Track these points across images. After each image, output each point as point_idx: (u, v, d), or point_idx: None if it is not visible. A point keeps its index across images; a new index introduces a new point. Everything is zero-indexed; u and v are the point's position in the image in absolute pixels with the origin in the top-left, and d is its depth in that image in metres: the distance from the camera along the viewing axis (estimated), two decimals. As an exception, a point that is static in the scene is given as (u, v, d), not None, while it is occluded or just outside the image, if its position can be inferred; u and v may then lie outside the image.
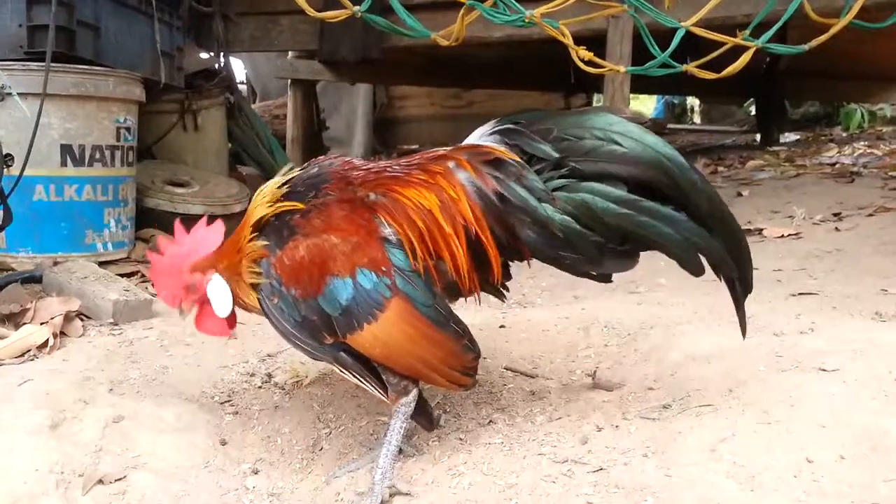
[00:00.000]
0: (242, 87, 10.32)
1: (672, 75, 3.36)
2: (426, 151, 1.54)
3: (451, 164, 1.47)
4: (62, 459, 1.43)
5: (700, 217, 1.42)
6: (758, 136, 7.69)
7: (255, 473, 1.57)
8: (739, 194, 4.36)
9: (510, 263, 1.58)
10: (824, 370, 1.55)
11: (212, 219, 1.57)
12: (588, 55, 3.01)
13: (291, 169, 1.52)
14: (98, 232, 3.30)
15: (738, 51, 3.22)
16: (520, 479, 1.37)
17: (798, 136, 7.54)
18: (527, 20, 2.80)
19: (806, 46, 3.31)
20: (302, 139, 6.82)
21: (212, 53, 5.05)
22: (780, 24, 3.11)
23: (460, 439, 1.59)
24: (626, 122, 1.43)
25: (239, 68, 10.29)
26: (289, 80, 7.27)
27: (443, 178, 1.46)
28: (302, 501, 1.48)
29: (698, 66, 3.29)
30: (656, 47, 3.22)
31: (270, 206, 1.45)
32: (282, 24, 5.30)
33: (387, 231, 1.43)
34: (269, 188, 1.48)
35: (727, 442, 1.35)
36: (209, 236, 1.53)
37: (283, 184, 1.47)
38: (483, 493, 1.36)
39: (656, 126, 10.82)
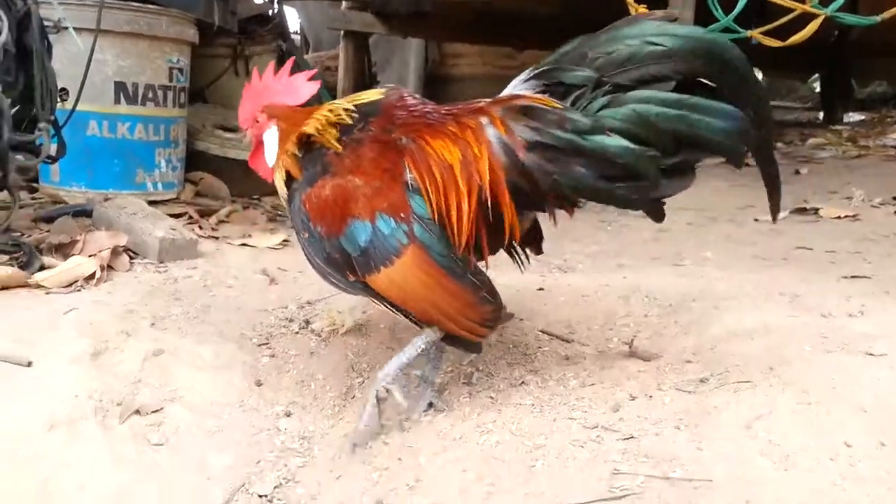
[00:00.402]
0: (295, 37, 10.33)
1: (737, 44, 3.25)
2: (469, 102, 1.52)
3: (484, 119, 1.45)
4: (101, 388, 1.47)
5: (750, 101, 1.37)
6: (821, 114, 7.44)
7: (288, 416, 1.59)
8: (797, 172, 4.22)
9: (540, 226, 1.59)
10: (871, 354, 1.51)
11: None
12: (644, 11, 2.92)
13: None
14: (149, 171, 3.35)
15: (806, 20, 3.09)
16: (548, 442, 1.36)
17: (863, 117, 7.25)
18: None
19: (878, 18, 3.17)
20: (353, 92, 6.80)
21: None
22: (851, -7, 2.97)
23: (491, 398, 1.59)
24: (660, 22, 1.39)
25: (293, 18, 10.28)
26: (341, 32, 7.23)
27: (472, 133, 1.45)
28: (331, 446, 1.50)
29: (763, 33, 3.18)
30: (720, 10, 3.12)
31: (321, 129, 1.48)
32: (337, -29, 5.25)
33: (410, 176, 1.43)
34: (335, 108, 1.51)
35: (764, 419, 1.32)
36: (300, 90, 1.58)
37: (347, 109, 1.50)
38: (510, 451, 1.35)
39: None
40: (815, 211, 3.21)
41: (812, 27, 3.08)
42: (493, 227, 1.47)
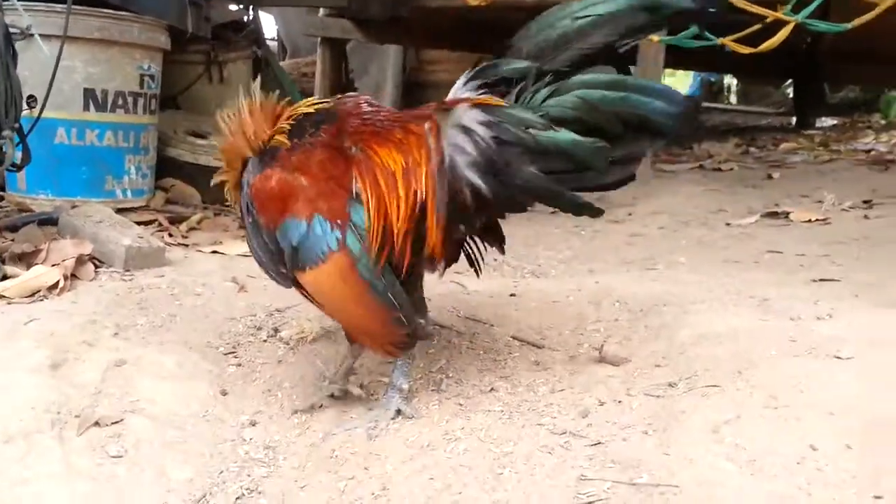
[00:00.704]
0: (273, 44, 10.28)
1: (709, 51, 3.26)
2: (420, 108, 1.51)
3: (427, 125, 1.44)
4: (59, 399, 1.44)
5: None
6: (794, 119, 7.52)
7: (253, 425, 1.57)
8: (770, 176, 4.26)
9: (500, 228, 1.60)
10: (839, 357, 1.51)
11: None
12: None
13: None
14: (118, 178, 3.31)
15: (778, 27, 3.11)
16: (516, 448, 1.35)
17: (835, 121, 7.34)
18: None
19: (849, 25, 3.20)
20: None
21: (241, 6, 5.01)
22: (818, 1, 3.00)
23: (460, 405, 1.57)
24: None
25: (270, 24, 10.24)
26: (318, 38, 7.20)
27: (415, 140, 1.44)
28: (297, 456, 1.48)
29: (735, 41, 3.20)
30: (693, 18, 3.13)
31: (271, 129, 1.49)
32: (313, -23, 5.24)
33: (356, 186, 1.43)
34: (292, 111, 1.52)
35: (731, 424, 1.31)
36: None
37: (304, 113, 1.51)
38: (478, 459, 1.34)
39: (690, 104, 10.61)
40: (786, 215, 3.23)
41: (783, 34, 3.10)
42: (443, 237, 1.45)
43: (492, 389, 1.62)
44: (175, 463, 1.36)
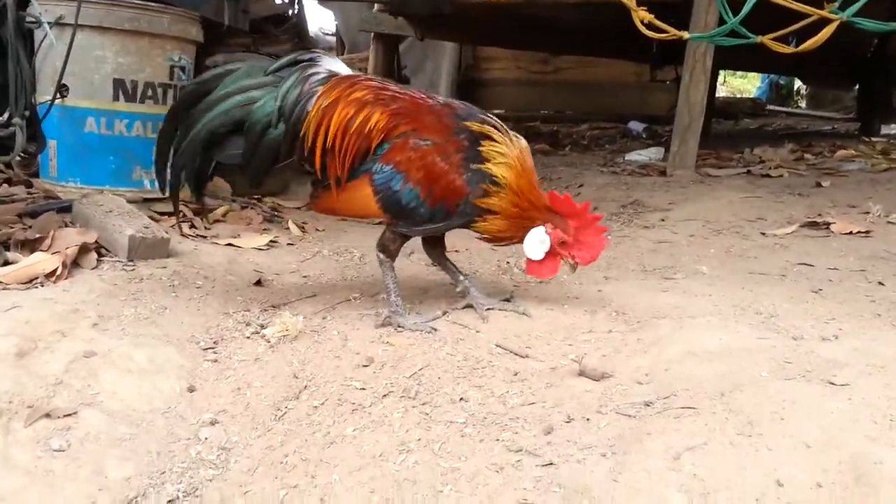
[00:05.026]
0: (331, 39, 10.37)
1: (768, 52, 3.10)
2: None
3: None
4: (14, 389, 1.43)
5: None
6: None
7: (213, 425, 1.53)
8: (819, 184, 4.04)
9: None
10: (832, 383, 1.38)
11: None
12: (648, 17, 2.80)
13: None
14: (146, 169, 3.33)
15: (837, 28, 2.93)
16: (465, 465, 1.28)
17: (905, 129, 6.97)
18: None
19: (897, 24, 3.00)
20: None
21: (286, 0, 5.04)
22: (866, -2, 2.81)
23: (426, 414, 1.50)
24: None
25: (329, 20, 10.33)
26: (372, 34, 7.21)
27: None
28: (251, 458, 1.44)
29: (774, 39, 3.03)
30: (729, 13, 2.97)
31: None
32: (357, -28, 5.23)
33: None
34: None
35: (696, 451, 1.21)
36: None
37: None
38: (425, 473, 1.27)
39: (755, 106, 10.26)
40: (827, 225, 3.04)
41: (826, 33, 2.92)
42: None
43: (462, 399, 1.55)
44: (117, 460, 1.34)
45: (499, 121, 1.88)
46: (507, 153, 1.81)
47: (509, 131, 1.87)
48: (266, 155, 1.90)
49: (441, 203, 1.82)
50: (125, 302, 2.00)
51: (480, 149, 1.81)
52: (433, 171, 1.80)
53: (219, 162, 1.99)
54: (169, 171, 2.02)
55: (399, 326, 1.87)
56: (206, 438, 1.48)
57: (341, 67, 1.97)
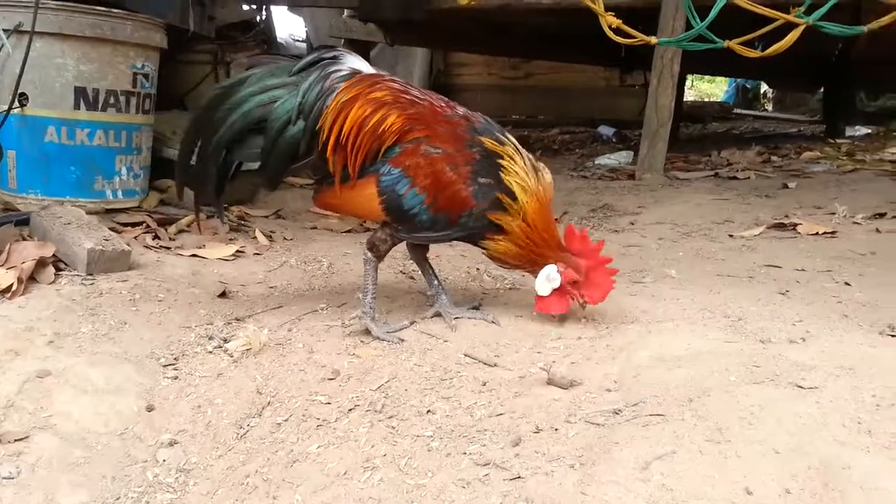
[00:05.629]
0: (302, 46, 10.30)
1: (734, 56, 3.12)
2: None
3: None
4: (-38, 413, 1.37)
5: None
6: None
7: (172, 445, 1.48)
8: (785, 186, 4.07)
9: None
10: (800, 387, 1.38)
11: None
12: (616, 22, 2.80)
13: None
14: (108, 179, 3.27)
15: (803, 32, 2.95)
16: (431, 481, 1.24)
17: (869, 130, 7.06)
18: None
19: (864, 28, 3.03)
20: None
21: (253, 6, 4.98)
22: (831, 2, 2.84)
23: (392, 428, 1.47)
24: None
25: (300, 26, 10.26)
26: (342, 40, 7.16)
27: None
28: (211, 480, 1.39)
29: (741, 44, 3.05)
30: (697, 18, 2.99)
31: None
32: (327, -22, 5.21)
33: None
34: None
35: (664, 460, 1.19)
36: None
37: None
38: (389, 491, 1.24)
39: (722, 109, 10.36)
40: (794, 227, 3.06)
41: (791, 37, 2.95)
42: None
43: (429, 411, 1.52)
44: (70, 486, 1.29)
45: (517, 143, 1.89)
46: (525, 178, 1.83)
47: (530, 160, 1.88)
48: (284, 152, 1.88)
49: (444, 212, 1.82)
50: (83, 318, 1.94)
51: (494, 164, 1.82)
52: (440, 179, 1.80)
53: (240, 164, 1.99)
54: (190, 176, 2.01)
55: (366, 330, 1.86)
56: (164, 460, 1.44)
57: (364, 66, 1.96)
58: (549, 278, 1.86)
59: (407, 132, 1.83)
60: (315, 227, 3.43)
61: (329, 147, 1.85)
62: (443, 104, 1.90)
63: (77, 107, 3.15)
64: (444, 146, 1.81)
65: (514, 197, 1.82)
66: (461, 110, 1.92)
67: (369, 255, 1.94)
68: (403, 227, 1.88)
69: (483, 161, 1.82)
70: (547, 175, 1.90)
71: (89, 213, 2.85)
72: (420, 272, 2.11)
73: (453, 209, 1.82)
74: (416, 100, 1.88)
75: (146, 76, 3.36)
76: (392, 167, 1.82)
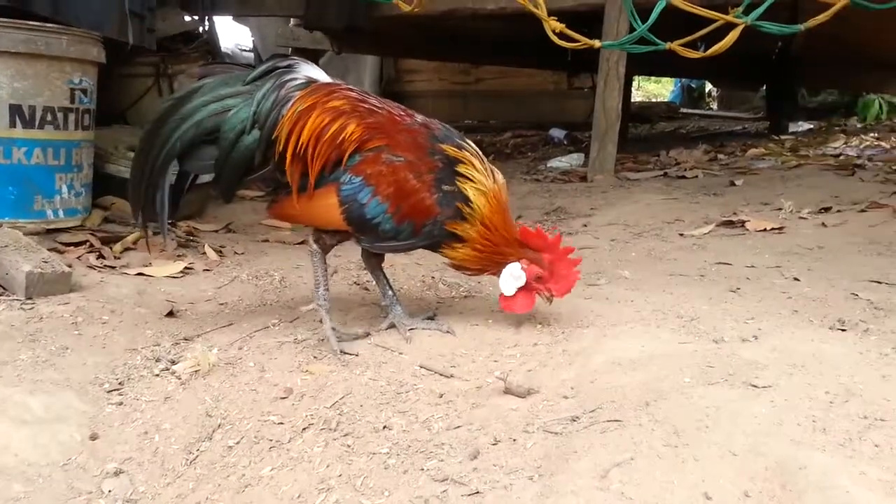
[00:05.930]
0: (249, 55, 10.16)
1: (678, 57, 3.15)
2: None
3: None
4: None
5: None
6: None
7: (118, 475, 1.43)
8: (732, 183, 4.14)
9: None
10: (754, 386, 1.38)
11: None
12: (559, 27, 2.81)
13: None
14: (48, 198, 3.16)
15: (743, 31, 3.00)
16: (388, 500, 1.22)
17: (811, 126, 7.24)
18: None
19: (801, 27, 3.08)
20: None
21: (195, 17, 4.89)
22: (769, 1, 2.89)
23: (348, 446, 1.43)
24: None
25: (246, 36, 10.13)
26: (290, 49, 7.08)
27: None
28: (160, 509, 1.34)
29: (683, 45, 3.09)
30: (638, 21, 3.01)
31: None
32: (270, -14, 5.14)
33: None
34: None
35: (623, 467, 1.18)
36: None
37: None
38: (345, 512, 1.21)
39: (669, 109, 10.54)
40: (742, 224, 3.11)
41: (731, 37, 2.99)
42: None
43: (385, 427, 1.48)
44: (7, 523, 1.23)
45: (476, 148, 1.86)
46: (483, 181, 1.80)
47: (487, 163, 1.85)
48: (239, 163, 1.83)
49: (408, 221, 1.79)
50: (22, 344, 1.86)
51: (455, 172, 1.79)
52: (404, 187, 1.77)
53: (195, 176, 1.96)
54: (143, 192, 1.93)
55: (321, 322, 1.86)
56: (109, 491, 1.38)
57: (320, 74, 1.92)
58: (513, 276, 1.84)
59: (367, 141, 1.79)
60: (267, 240, 3.37)
61: (287, 158, 1.81)
62: (402, 113, 1.88)
63: (13, 125, 3.04)
64: (406, 154, 1.79)
65: (471, 204, 1.80)
66: (420, 118, 1.89)
67: (315, 247, 1.91)
68: (366, 238, 1.85)
69: (445, 169, 1.80)
70: (499, 177, 1.88)
71: (30, 234, 2.75)
72: (374, 283, 2.07)
73: (418, 218, 1.79)
74: (375, 108, 1.84)
75: (84, 91, 3.26)
76: (353, 175, 1.79)
